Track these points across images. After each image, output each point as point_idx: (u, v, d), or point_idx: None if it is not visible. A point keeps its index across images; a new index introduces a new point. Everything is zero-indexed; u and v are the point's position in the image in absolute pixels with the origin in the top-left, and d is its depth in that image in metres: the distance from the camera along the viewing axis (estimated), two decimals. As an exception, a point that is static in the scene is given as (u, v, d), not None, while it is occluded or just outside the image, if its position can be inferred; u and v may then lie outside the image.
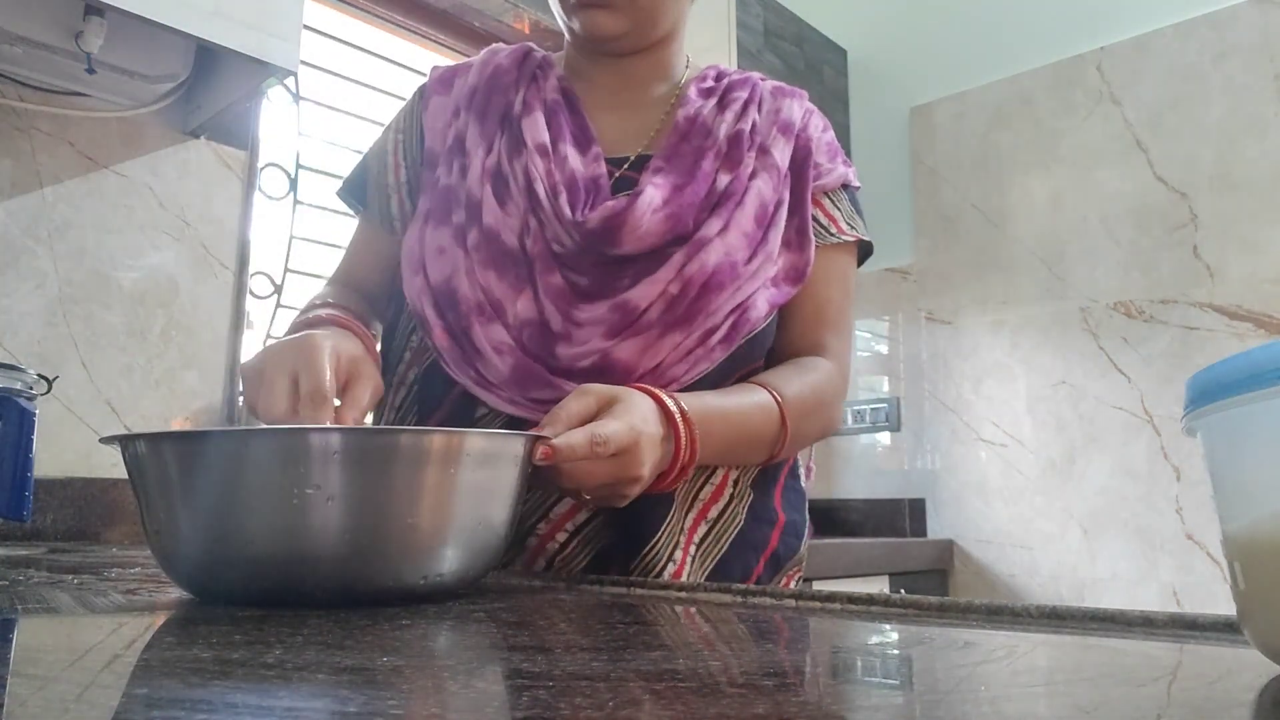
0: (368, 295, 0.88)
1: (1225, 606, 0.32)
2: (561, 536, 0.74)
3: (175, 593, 0.54)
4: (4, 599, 0.51)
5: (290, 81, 1.66)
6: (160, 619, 0.45)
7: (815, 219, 0.86)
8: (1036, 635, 0.41)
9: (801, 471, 0.90)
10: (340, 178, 0.96)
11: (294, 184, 1.67)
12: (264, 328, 1.61)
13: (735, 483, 0.80)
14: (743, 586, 0.57)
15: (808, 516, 0.88)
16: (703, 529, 0.78)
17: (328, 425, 0.60)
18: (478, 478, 0.52)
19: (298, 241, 1.67)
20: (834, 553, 1.84)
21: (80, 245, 1.39)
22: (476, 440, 0.52)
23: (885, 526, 2.31)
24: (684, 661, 0.33)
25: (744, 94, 0.87)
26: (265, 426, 0.59)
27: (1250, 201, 1.87)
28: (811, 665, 0.37)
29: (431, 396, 0.80)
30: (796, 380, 0.80)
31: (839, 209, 0.88)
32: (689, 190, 0.78)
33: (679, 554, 0.75)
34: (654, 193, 0.77)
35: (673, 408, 0.67)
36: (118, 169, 1.44)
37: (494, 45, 0.91)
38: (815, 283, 0.84)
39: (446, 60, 1.97)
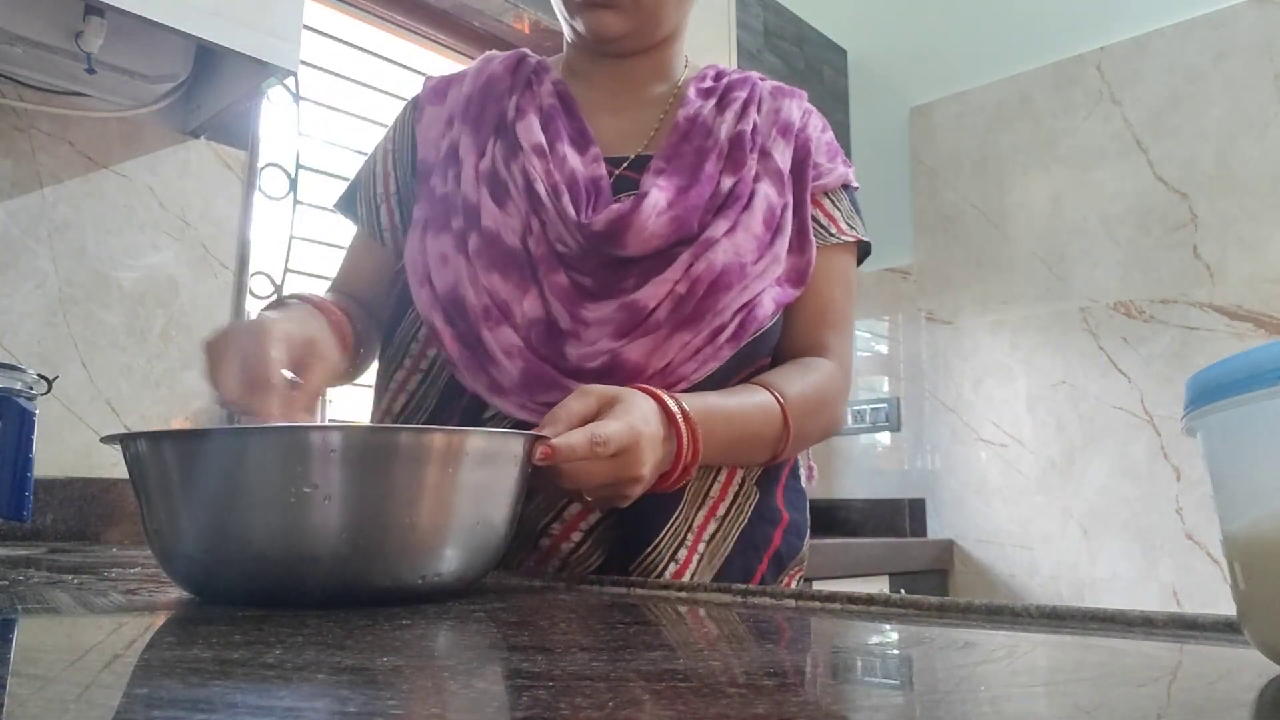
0: (364, 302, 0.89)
1: (1225, 606, 0.32)
2: (576, 537, 0.74)
3: (175, 593, 0.54)
4: (4, 599, 0.51)
5: (290, 81, 1.66)
6: (160, 619, 0.45)
7: (815, 219, 0.86)
8: (1036, 635, 0.41)
9: (802, 472, 0.90)
10: (340, 178, 0.97)
11: (294, 184, 1.67)
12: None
13: (741, 481, 0.81)
14: (743, 586, 0.57)
15: (809, 516, 0.88)
16: (712, 526, 0.78)
17: (325, 424, 0.60)
18: (477, 477, 0.52)
19: (298, 241, 1.67)
20: (834, 553, 1.84)
21: (80, 245, 1.39)
22: (475, 440, 0.52)
23: (885, 526, 2.31)
24: (684, 661, 0.33)
25: (743, 94, 0.87)
26: (264, 426, 0.59)
27: (1250, 201, 1.88)
28: (811, 665, 0.37)
29: (440, 408, 0.79)
30: (799, 380, 0.80)
31: (839, 209, 0.88)
32: (693, 193, 0.79)
33: (684, 553, 0.75)
34: (659, 195, 0.77)
35: (674, 408, 0.67)
36: (118, 169, 1.44)
37: (489, 53, 0.91)
38: (816, 283, 0.84)
39: (446, 61, 1.97)
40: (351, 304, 0.86)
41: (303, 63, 1.44)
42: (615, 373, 0.73)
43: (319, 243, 1.70)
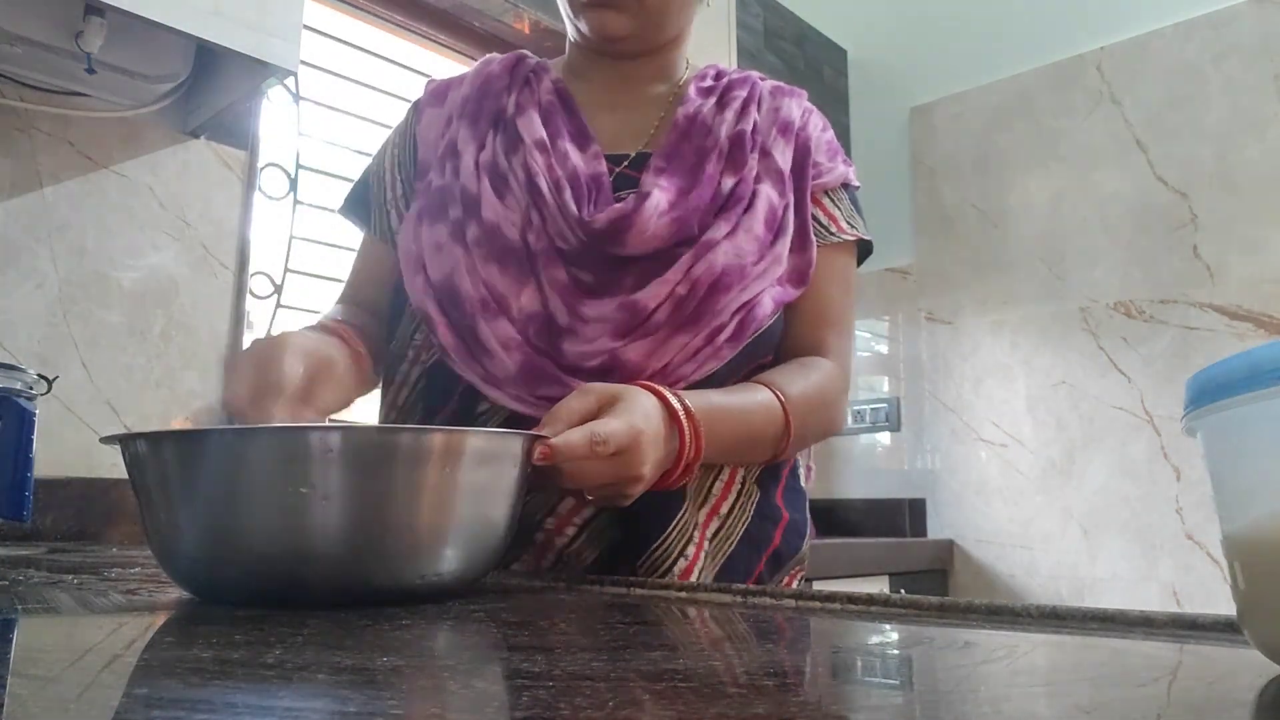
0: (376, 311, 0.89)
1: (1225, 606, 0.32)
2: (570, 531, 0.74)
3: (175, 593, 0.54)
4: (4, 599, 0.51)
5: (290, 81, 1.66)
6: (160, 619, 0.45)
7: (815, 218, 0.86)
8: (1036, 635, 0.41)
9: (801, 472, 0.90)
10: (340, 178, 0.97)
11: (294, 184, 1.67)
12: (264, 328, 1.61)
13: (742, 481, 0.81)
14: (743, 586, 0.57)
15: (809, 516, 0.88)
16: (715, 524, 0.78)
17: (325, 425, 0.60)
18: (476, 477, 0.52)
19: (298, 241, 1.67)
20: (834, 553, 1.84)
21: (80, 245, 1.39)
22: (474, 440, 0.52)
23: (885, 526, 2.31)
24: (684, 661, 0.33)
25: (743, 93, 0.87)
26: (264, 425, 0.59)
27: (1250, 201, 1.88)
28: (811, 665, 0.37)
29: (436, 395, 0.80)
30: (800, 379, 0.80)
31: (839, 208, 0.88)
32: (695, 194, 0.79)
33: (691, 549, 0.75)
34: (660, 196, 0.77)
35: (676, 405, 0.67)
36: (118, 169, 1.44)
37: (488, 56, 0.92)
38: (816, 282, 0.84)
39: (446, 61, 1.97)
40: (366, 321, 0.86)
41: (303, 63, 1.44)
42: (614, 372, 0.73)
43: (319, 243, 1.70)
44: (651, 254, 0.77)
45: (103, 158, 1.42)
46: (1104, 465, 1.99)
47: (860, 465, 2.43)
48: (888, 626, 0.45)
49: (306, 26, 1.46)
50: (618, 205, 0.77)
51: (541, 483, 0.62)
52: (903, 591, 1.97)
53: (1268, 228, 1.85)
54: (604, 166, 0.81)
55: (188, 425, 1.47)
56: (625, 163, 0.83)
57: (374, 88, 1.84)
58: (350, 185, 0.96)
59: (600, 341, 0.74)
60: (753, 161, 0.83)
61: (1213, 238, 1.91)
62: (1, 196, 1.32)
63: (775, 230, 0.81)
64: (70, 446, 1.34)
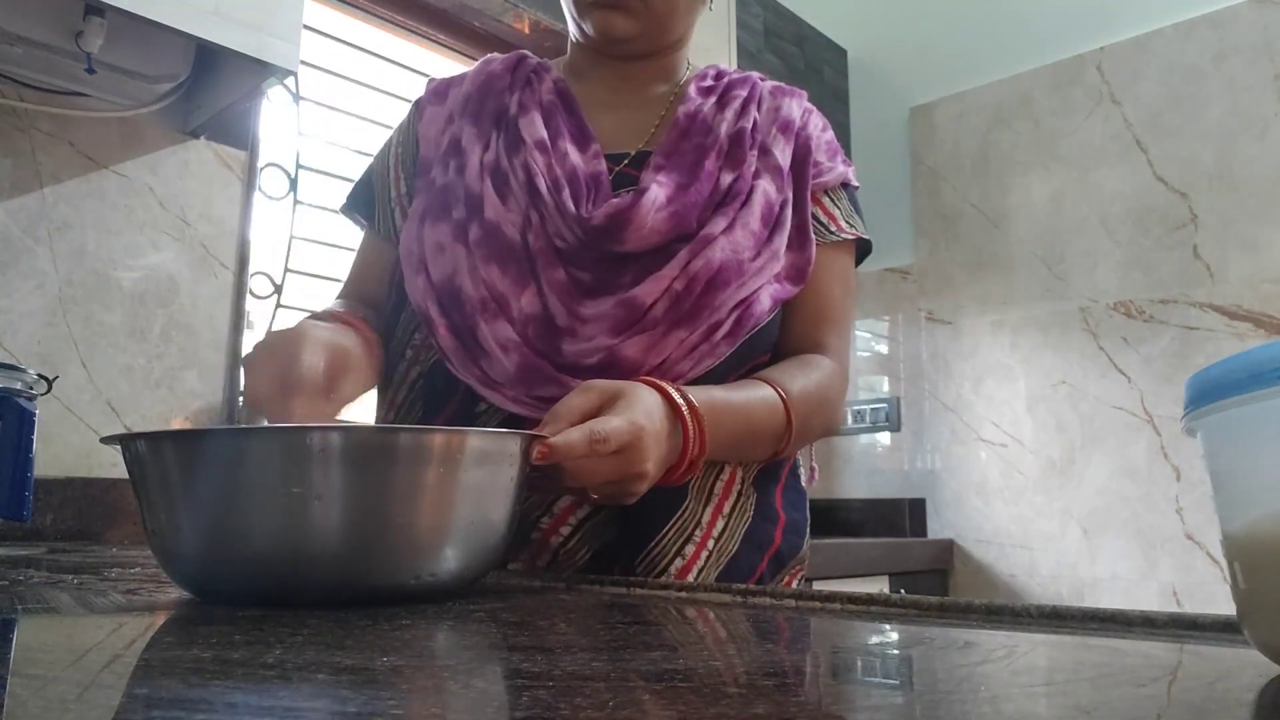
0: (377, 307, 0.89)
1: (1225, 606, 0.32)
2: (565, 530, 0.74)
3: (175, 593, 0.54)
4: (4, 599, 0.51)
5: (290, 81, 1.66)
6: (160, 619, 0.45)
7: (815, 217, 0.86)
8: (1036, 635, 0.41)
9: (802, 472, 0.90)
10: (340, 178, 0.97)
11: (294, 184, 1.67)
12: (264, 328, 1.61)
13: (742, 480, 0.81)
14: (742, 586, 0.57)
15: (809, 516, 0.88)
16: (720, 523, 0.78)
17: (316, 423, 0.60)
18: (474, 477, 0.51)
19: (298, 241, 1.67)
20: (834, 553, 1.84)
21: (80, 245, 1.39)
22: (472, 439, 0.52)
23: (885, 526, 2.31)
24: (684, 661, 0.33)
25: (743, 93, 0.87)
26: (264, 425, 0.59)
27: (1250, 201, 1.88)
28: (811, 665, 0.37)
29: (435, 397, 0.80)
30: (800, 377, 0.80)
31: (838, 207, 0.88)
32: (693, 190, 0.79)
33: (690, 549, 0.75)
34: (658, 191, 0.77)
35: (679, 401, 0.67)
36: (118, 169, 1.44)
37: (489, 55, 0.92)
38: (816, 280, 0.84)
39: (446, 61, 1.97)
40: (371, 316, 0.86)
41: (303, 63, 1.44)
42: (612, 369, 0.73)
43: (319, 243, 1.70)
44: (650, 250, 0.77)
45: (103, 158, 1.42)
46: (1104, 465, 1.99)
47: (860, 465, 2.43)
48: (888, 626, 0.45)
49: (306, 26, 1.46)
50: (614, 200, 0.77)
51: (544, 483, 0.62)
52: (903, 591, 1.97)
53: (1268, 228, 1.85)
54: (603, 165, 0.81)
55: (188, 425, 1.47)
56: (625, 161, 0.83)
57: (374, 88, 1.84)
58: (351, 184, 0.96)
59: (598, 339, 0.74)
60: (751, 158, 0.83)
61: (1213, 238, 1.91)
62: (1, 196, 1.32)
63: (772, 226, 0.81)
64: (70, 446, 1.34)
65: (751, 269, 0.78)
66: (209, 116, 1.48)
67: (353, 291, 0.91)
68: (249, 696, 0.27)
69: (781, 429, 0.77)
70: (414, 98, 0.94)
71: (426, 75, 0.95)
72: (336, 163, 1.74)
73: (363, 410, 0.94)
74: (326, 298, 0.90)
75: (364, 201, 0.93)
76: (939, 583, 2.17)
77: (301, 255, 1.68)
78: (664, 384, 0.68)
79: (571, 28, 0.88)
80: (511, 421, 0.74)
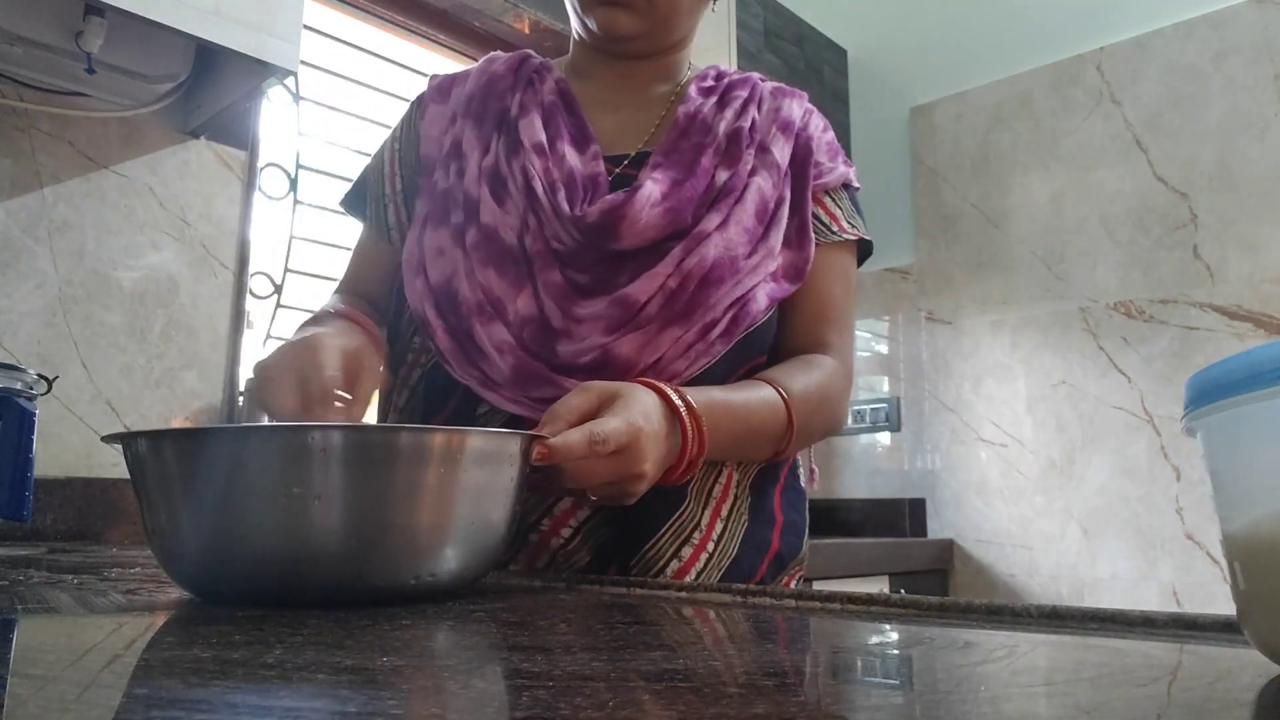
0: (374, 303, 0.89)
1: (1225, 606, 0.32)
2: (565, 532, 0.74)
3: (175, 593, 0.54)
4: (4, 599, 0.51)
5: (290, 81, 1.66)
6: (160, 619, 0.45)
7: (816, 217, 0.86)
8: (1036, 635, 0.41)
9: (802, 473, 0.90)
10: (340, 178, 0.97)
11: (294, 184, 1.67)
12: (264, 328, 1.61)
13: (739, 483, 0.80)
14: (742, 586, 0.57)
15: (808, 517, 0.88)
16: (719, 526, 0.78)
17: (326, 423, 0.61)
18: (474, 477, 0.51)
19: (298, 241, 1.67)
20: (834, 553, 1.84)
21: (80, 245, 1.39)
22: (471, 440, 0.52)
23: (885, 526, 2.31)
24: (684, 661, 0.33)
25: (744, 93, 0.87)
26: (264, 426, 0.59)
27: (1250, 201, 1.88)
28: (811, 665, 0.37)
29: (435, 399, 0.80)
30: (802, 377, 0.80)
31: (840, 208, 0.88)
32: (688, 185, 0.79)
33: (688, 551, 0.75)
34: (653, 187, 0.77)
35: (677, 401, 0.67)
36: (118, 169, 1.44)
37: (492, 54, 0.92)
38: (818, 280, 0.84)
39: (446, 61, 1.97)
40: (370, 311, 0.86)
41: (303, 63, 1.44)
42: (606, 368, 0.73)
43: (319, 243, 1.70)
44: (645, 247, 0.77)
45: (103, 158, 1.42)
46: (1104, 465, 1.99)
47: (860, 465, 2.43)
48: (888, 626, 0.45)
49: (306, 26, 1.46)
50: (609, 197, 0.77)
51: (543, 484, 0.62)
52: (903, 591, 1.97)
53: (1268, 228, 1.85)
54: (602, 167, 0.81)
55: (188, 425, 1.47)
56: (625, 162, 0.83)
57: (374, 88, 1.84)
58: (352, 182, 0.96)
59: (592, 339, 0.74)
60: (748, 156, 0.83)
61: (1213, 238, 1.91)
62: (1, 196, 1.32)
63: (767, 222, 0.81)
64: (70, 446, 1.34)
65: (746, 266, 0.78)
66: (209, 116, 1.48)
67: (348, 286, 0.92)
68: (249, 696, 0.27)
69: (782, 429, 0.77)
70: (414, 96, 0.94)
71: (426, 75, 0.95)
72: (336, 163, 1.74)
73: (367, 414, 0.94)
74: (326, 297, 0.90)
75: (361, 197, 0.93)
76: (939, 583, 2.17)
77: (301, 255, 1.68)
78: (662, 385, 0.68)
79: (575, 25, 0.88)
80: (513, 423, 0.74)
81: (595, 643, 0.39)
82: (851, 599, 0.51)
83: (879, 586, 1.96)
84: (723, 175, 0.81)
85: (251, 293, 1.58)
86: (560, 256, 0.77)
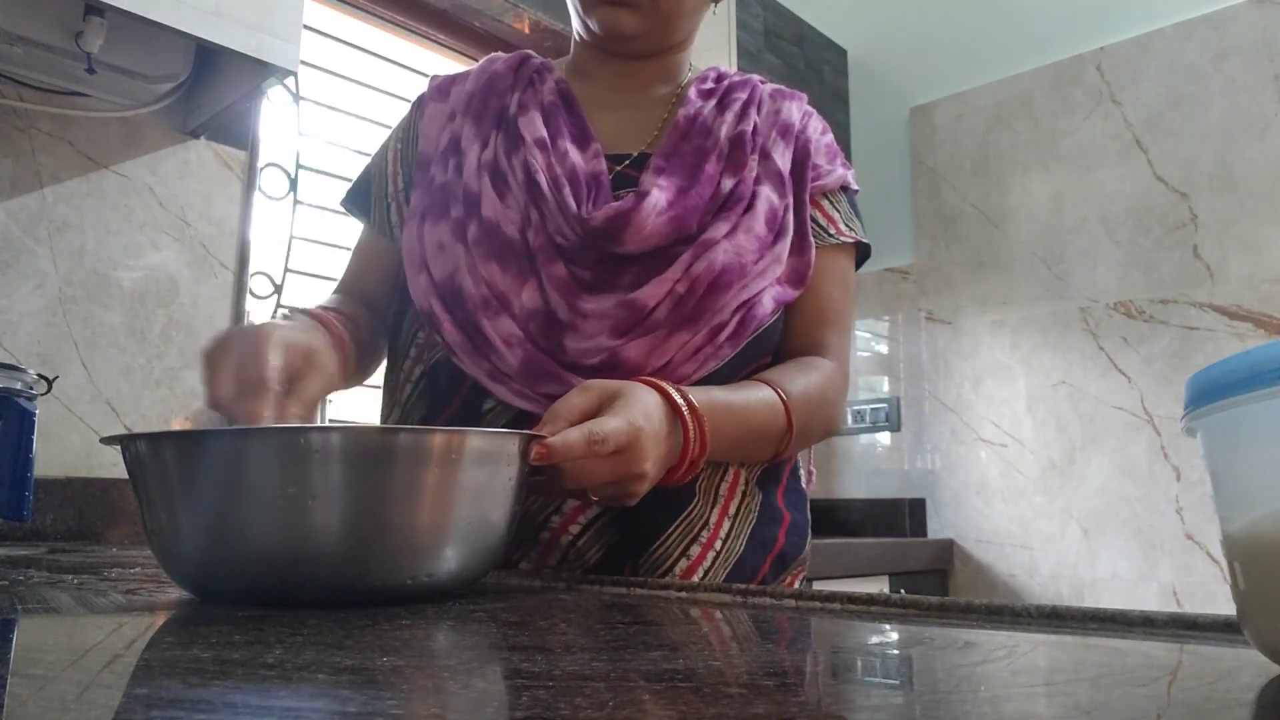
0: (372, 303, 0.89)
1: (1225, 606, 0.32)
2: (575, 529, 0.74)
3: (175, 593, 0.54)
4: (4, 599, 0.51)
5: (290, 81, 1.66)
6: (160, 619, 0.45)
7: (814, 219, 0.86)
8: (1036, 635, 0.41)
9: (802, 474, 0.90)
10: (340, 178, 0.97)
11: (294, 184, 1.67)
12: (264, 328, 1.61)
13: (746, 481, 0.80)
14: (743, 586, 0.57)
15: (809, 517, 0.88)
16: (726, 524, 0.78)
17: (281, 424, 0.59)
18: (473, 477, 0.51)
19: (298, 241, 1.67)
20: (834, 553, 1.84)
21: (80, 245, 1.39)
22: (470, 440, 0.52)
23: (885, 526, 2.31)
24: (684, 661, 0.33)
25: (744, 95, 0.87)
26: (264, 426, 0.59)
27: (1250, 201, 1.87)
28: (811, 665, 0.37)
29: (440, 395, 0.80)
30: (801, 378, 0.80)
31: (838, 210, 0.88)
32: (693, 193, 0.79)
33: (696, 549, 0.75)
34: (659, 195, 0.77)
35: (679, 401, 0.67)
36: (118, 169, 1.44)
37: (492, 54, 0.92)
38: (816, 282, 0.84)
39: (446, 61, 1.97)
40: (358, 311, 0.85)
41: (303, 63, 1.44)
42: (614, 370, 0.73)
43: (319, 243, 1.70)
44: (650, 252, 0.77)
45: (103, 158, 1.42)
46: (1104, 465, 1.99)
47: (860, 465, 2.43)
48: (888, 626, 0.45)
49: (306, 26, 1.46)
50: (616, 203, 0.77)
51: (544, 484, 0.62)
52: (903, 591, 1.97)
53: (1268, 228, 1.85)
54: (603, 165, 0.81)
55: (187, 425, 1.47)
56: (626, 162, 0.83)
57: (374, 88, 1.84)
58: (352, 181, 0.96)
59: (599, 339, 0.74)
60: (752, 163, 0.83)
61: (1213, 238, 1.91)
62: (1, 196, 1.32)
63: (776, 230, 0.81)
64: (70, 446, 1.34)
65: (754, 271, 0.78)
66: (209, 116, 1.48)
67: (347, 286, 0.91)
68: (249, 696, 0.27)
69: (782, 430, 0.77)
70: (414, 97, 0.94)
71: (426, 75, 0.95)
72: (336, 163, 1.74)
73: (365, 411, 0.94)
74: (325, 297, 0.90)
75: (364, 196, 0.93)
76: (939, 583, 2.17)
77: (301, 255, 1.68)
78: (663, 384, 0.67)
79: (576, 24, 0.88)
80: (520, 418, 0.74)
81: (595, 643, 0.39)
82: (851, 599, 0.51)
83: (879, 586, 1.96)
84: (728, 183, 0.81)
85: (251, 293, 1.58)
86: (563, 251, 0.77)
